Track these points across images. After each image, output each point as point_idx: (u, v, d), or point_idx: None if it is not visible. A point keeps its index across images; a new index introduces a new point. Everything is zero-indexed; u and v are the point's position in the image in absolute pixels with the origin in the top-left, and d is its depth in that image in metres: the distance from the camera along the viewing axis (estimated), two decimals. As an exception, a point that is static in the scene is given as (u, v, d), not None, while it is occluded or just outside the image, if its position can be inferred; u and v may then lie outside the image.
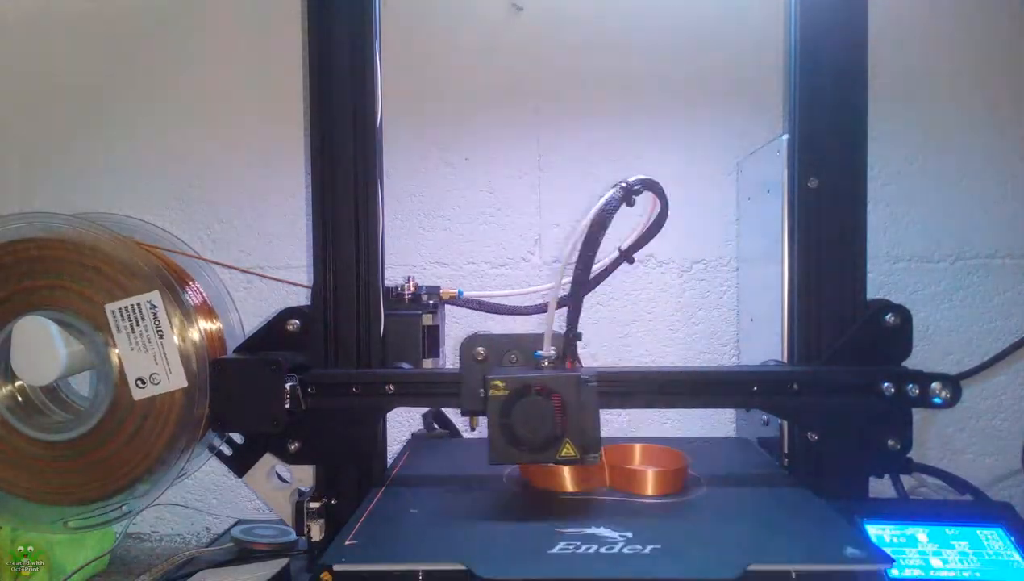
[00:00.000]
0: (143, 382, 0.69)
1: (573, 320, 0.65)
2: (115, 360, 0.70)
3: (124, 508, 0.73)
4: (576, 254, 0.64)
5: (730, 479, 0.71)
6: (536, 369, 0.64)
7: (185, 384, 0.69)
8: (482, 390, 0.66)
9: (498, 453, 0.61)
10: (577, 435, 0.61)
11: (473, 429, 0.71)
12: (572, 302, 0.65)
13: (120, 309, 0.68)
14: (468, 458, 0.80)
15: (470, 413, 0.69)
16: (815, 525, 0.59)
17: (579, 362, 0.65)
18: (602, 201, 0.64)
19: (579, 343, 0.65)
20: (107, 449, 0.70)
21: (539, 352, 0.65)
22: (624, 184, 0.65)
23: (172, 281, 0.71)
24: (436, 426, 0.90)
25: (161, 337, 0.69)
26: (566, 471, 0.66)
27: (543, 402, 0.61)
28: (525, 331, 0.70)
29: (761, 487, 0.69)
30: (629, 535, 0.55)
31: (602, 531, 0.56)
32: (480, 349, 0.68)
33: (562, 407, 0.60)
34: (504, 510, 0.64)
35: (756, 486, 0.69)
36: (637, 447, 0.75)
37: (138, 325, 0.68)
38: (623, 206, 0.65)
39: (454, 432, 0.91)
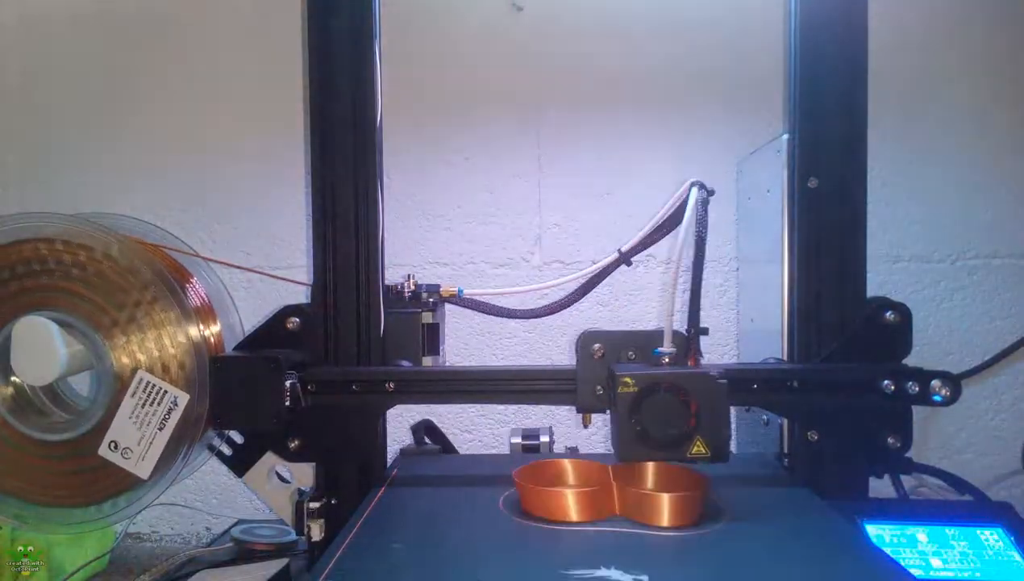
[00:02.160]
0: (115, 446, 0.68)
1: (695, 317, 0.65)
2: (115, 361, 0.70)
3: (124, 508, 0.72)
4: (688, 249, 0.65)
5: (754, 507, 0.62)
6: (660, 366, 0.64)
7: (146, 477, 0.68)
8: (599, 387, 0.66)
9: (627, 450, 0.60)
10: (708, 432, 0.60)
11: (586, 427, 0.71)
12: (692, 300, 0.66)
13: (149, 383, 0.68)
14: (461, 479, 0.72)
15: (586, 410, 0.68)
16: (854, 562, 0.52)
17: (703, 358, 0.65)
18: (694, 201, 0.66)
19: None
20: (107, 449, 0.70)
21: (659, 349, 0.64)
22: (694, 183, 0.67)
23: (172, 280, 0.71)
24: (427, 440, 0.87)
25: (160, 429, 0.68)
26: (571, 498, 0.59)
27: (674, 399, 0.60)
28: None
29: (789, 515, 0.61)
30: (644, 579, 0.48)
31: (613, 574, 0.49)
32: (597, 345, 0.67)
33: (693, 404, 0.60)
34: (500, 545, 0.55)
35: (783, 514, 0.61)
36: (650, 465, 0.66)
37: (151, 405, 0.68)
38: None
39: (447, 447, 0.88)
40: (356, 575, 0.51)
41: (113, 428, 0.68)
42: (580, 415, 0.69)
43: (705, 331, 0.65)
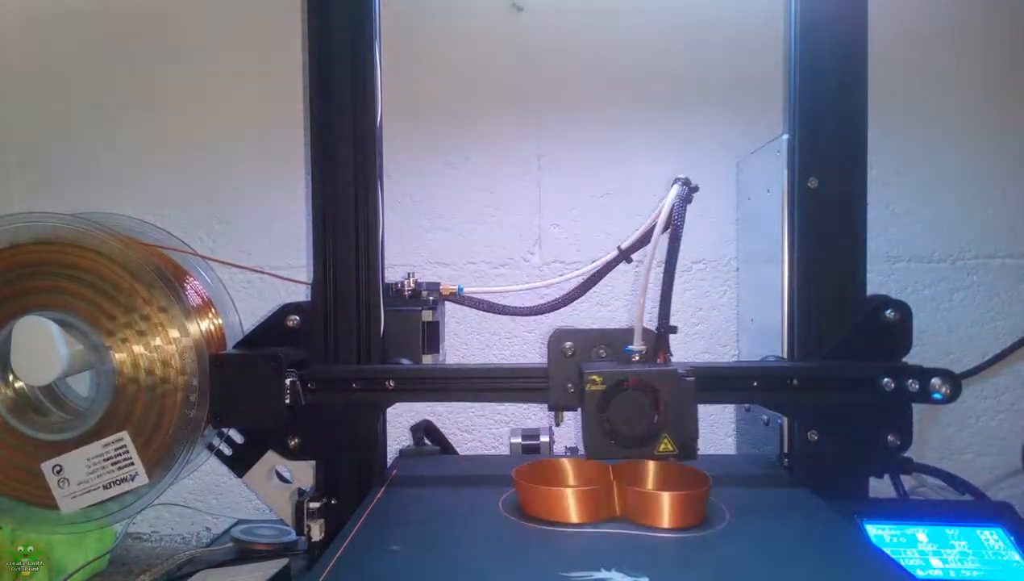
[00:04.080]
0: (59, 470, 0.69)
1: (665, 315, 0.65)
2: (115, 361, 0.70)
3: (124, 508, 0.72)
4: (652, 250, 0.65)
5: (757, 508, 0.62)
6: (629, 364, 0.64)
7: (63, 511, 0.69)
8: (571, 385, 0.66)
9: (594, 448, 0.61)
10: (675, 430, 0.60)
11: (558, 425, 0.71)
12: (663, 297, 0.65)
13: (124, 447, 0.69)
14: (459, 480, 0.72)
15: (558, 408, 0.68)
16: (856, 564, 0.51)
17: (672, 356, 0.65)
18: (673, 197, 0.66)
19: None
20: (107, 449, 0.70)
21: (629, 347, 0.65)
22: (678, 179, 0.67)
23: (172, 279, 0.71)
24: (427, 441, 0.87)
25: (104, 488, 0.69)
26: (571, 499, 0.59)
27: (641, 396, 0.60)
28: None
29: (792, 517, 0.60)
30: None
31: (614, 576, 0.49)
32: (568, 343, 0.67)
33: (660, 401, 0.60)
34: (500, 548, 0.55)
35: (786, 515, 0.61)
36: (651, 464, 0.66)
37: (113, 465, 0.69)
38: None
39: (446, 448, 0.88)
40: (358, 570, 0.50)
41: (71, 455, 0.69)
42: (553, 413, 0.69)
43: (674, 329, 0.65)
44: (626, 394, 0.60)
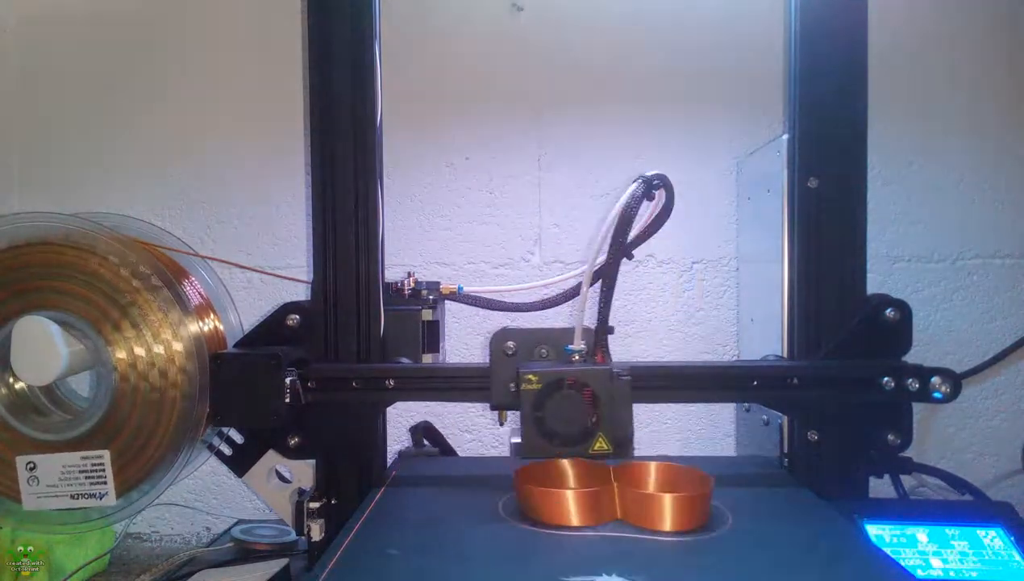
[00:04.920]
0: (32, 467, 0.69)
1: (604, 314, 0.65)
2: (114, 360, 0.70)
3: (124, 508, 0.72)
4: (605, 248, 0.65)
5: (758, 511, 0.62)
6: (568, 363, 0.64)
7: (25, 508, 0.69)
8: (513, 384, 0.66)
9: (530, 446, 0.61)
10: (610, 429, 0.61)
11: (502, 424, 0.71)
12: (603, 297, 0.65)
13: (103, 465, 0.69)
14: (459, 482, 0.72)
15: (500, 407, 0.68)
16: (856, 566, 0.51)
17: (610, 356, 0.65)
18: (626, 195, 0.66)
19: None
20: (107, 450, 0.70)
21: (570, 346, 0.65)
22: (642, 178, 0.67)
23: (172, 279, 0.71)
24: (426, 442, 0.87)
25: (70, 497, 0.69)
26: (571, 501, 0.58)
27: (576, 396, 0.60)
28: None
29: (793, 520, 0.60)
30: None
31: (613, 580, 0.48)
32: (510, 343, 0.67)
33: (595, 400, 0.60)
34: (499, 551, 0.54)
35: (788, 519, 0.60)
36: (652, 465, 0.65)
37: (86, 478, 0.69)
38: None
39: (446, 449, 0.88)
40: (356, 575, 0.50)
41: (49, 457, 0.69)
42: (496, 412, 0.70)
43: (611, 330, 0.66)
44: (561, 393, 0.61)
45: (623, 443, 0.60)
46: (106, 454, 0.69)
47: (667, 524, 0.56)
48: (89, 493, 0.69)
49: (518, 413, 0.64)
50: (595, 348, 0.65)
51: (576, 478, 0.66)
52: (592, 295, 0.69)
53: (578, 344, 0.65)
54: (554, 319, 0.92)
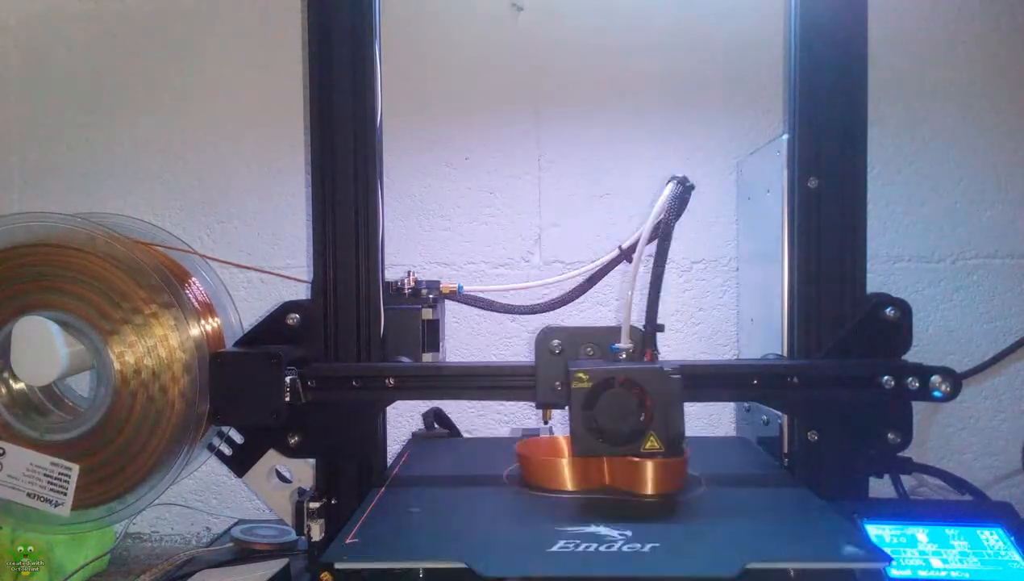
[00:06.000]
0: (3, 453, 0.71)
1: (652, 313, 0.65)
2: (114, 360, 0.70)
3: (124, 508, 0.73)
4: (642, 247, 0.66)
5: (729, 478, 0.71)
6: (615, 362, 0.64)
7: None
8: (558, 383, 0.67)
9: (581, 445, 0.62)
10: (661, 428, 0.61)
11: (546, 423, 0.72)
12: (651, 295, 0.66)
13: (68, 476, 0.71)
14: (468, 457, 0.81)
15: (545, 405, 0.69)
16: (814, 524, 0.59)
17: (658, 354, 0.65)
18: (667, 195, 0.67)
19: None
20: (107, 450, 0.70)
21: (616, 345, 0.65)
22: (676, 178, 0.68)
23: (172, 279, 0.71)
24: (436, 425, 0.91)
25: (27, 496, 0.71)
26: (565, 470, 0.67)
27: (627, 394, 0.61)
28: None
29: (761, 486, 0.69)
30: (628, 533, 0.55)
31: (602, 530, 0.56)
32: (556, 341, 0.68)
33: (646, 399, 0.61)
34: (504, 509, 0.64)
35: (755, 485, 0.69)
36: None
37: (49, 482, 0.71)
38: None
39: (454, 432, 0.92)
40: (384, 527, 0.59)
41: (23, 451, 0.70)
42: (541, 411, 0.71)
43: (661, 328, 0.66)
44: (612, 392, 0.61)
45: (674, 442, 0.60)
46: (75, 469, 0.70)
47: (649, 487, 0.64)
48: (45, 497, 0.70)
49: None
50: (644, 346, 0.65)
51: (571, 451, 0.68)
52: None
53: (625, 342, 0.65)
54: (554, 319, 0.92)
